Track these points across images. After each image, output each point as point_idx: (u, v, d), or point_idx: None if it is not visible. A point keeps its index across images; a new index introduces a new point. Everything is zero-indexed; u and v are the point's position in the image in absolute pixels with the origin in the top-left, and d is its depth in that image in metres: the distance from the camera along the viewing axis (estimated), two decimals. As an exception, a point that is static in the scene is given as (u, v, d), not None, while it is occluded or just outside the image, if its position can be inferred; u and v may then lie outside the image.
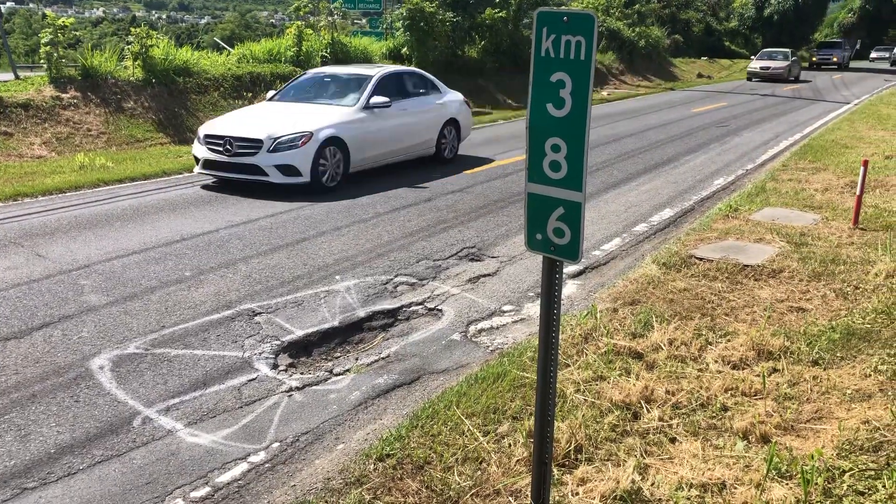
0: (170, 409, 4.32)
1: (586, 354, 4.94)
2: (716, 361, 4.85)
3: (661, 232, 8.42)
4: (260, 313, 5.74)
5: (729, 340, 5.13)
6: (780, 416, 4.03)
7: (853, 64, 52.76)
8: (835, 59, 47.91)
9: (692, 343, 5.11)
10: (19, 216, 8.39)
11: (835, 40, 53.31)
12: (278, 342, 5.27)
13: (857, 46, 63.56)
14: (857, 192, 8.07)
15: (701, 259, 7.00)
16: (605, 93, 27.69)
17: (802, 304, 5.84)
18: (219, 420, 4.24)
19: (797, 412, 4.09)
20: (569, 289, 6.49)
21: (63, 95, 12.87)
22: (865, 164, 8.17)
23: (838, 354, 4.75)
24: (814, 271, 6.52)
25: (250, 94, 16.00)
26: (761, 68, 36.70)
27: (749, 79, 37.50)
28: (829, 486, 3.28)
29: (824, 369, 4.59)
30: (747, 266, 6.73)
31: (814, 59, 48.87)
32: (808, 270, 6.54)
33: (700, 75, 39.58)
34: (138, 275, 6.44)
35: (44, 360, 4.84)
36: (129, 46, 14.46)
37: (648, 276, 6.52)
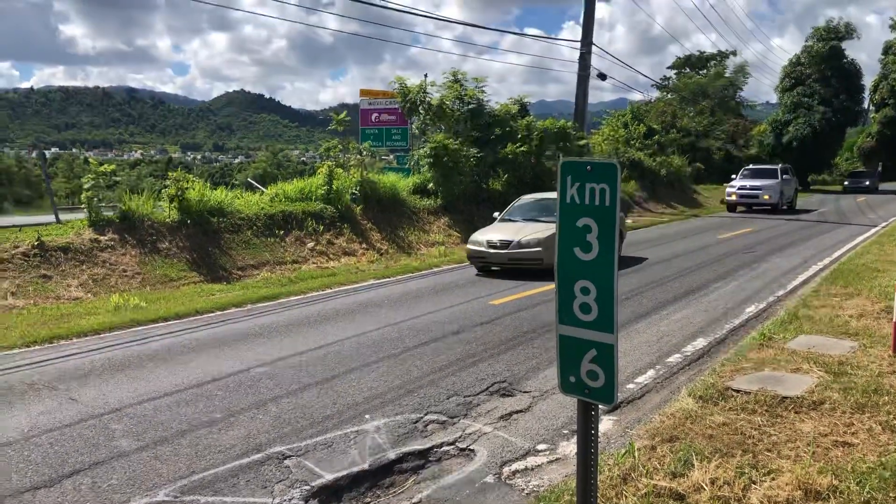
0: (196, 562, 4.19)
1: (626, 497, 4.76)
2: (761, 502, 4.64)
3: (695, 363, 8.28)
4: (290, 456, 5.64)
5: (773, 479, 4.93)
6: (836, 563, 3.81)
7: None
8: (767, 198, 30.94)
9: (735, 482, 4.91)
10: (54, 359, 8.49)
11: (764, 167, 35.50)
12: (308, 487, 5.16)
13: (879, 169, 64.29)
14: (895, 319, 7.93)
15: (738, 391, 6.84)
16: (629, 220, 28.01)
17: (848, 439, 5.63)
18: (246, 573, 4.10)
19: (854, 559, 3.86)
20: (604, 425, 6.32)
21: (101, 238, 13.30)
22: (899, 289, 8.07)
23: (891, 494, 4.53)
24: (856, 403, 6.32)
25: (282, 232, 16.41)
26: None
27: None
28: None
29: (878, 511, 4.37)
30: (786, 398, 6.55)
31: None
32: (851, 402, 6.34)
33: (723, 201, 40.00)
34: (169, 418, 6.42)
35: (71, 511, 4.76)
36: (166, 189, 15.05)
37: (685, 410, 6.36)
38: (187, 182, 15.03)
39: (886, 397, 6.41)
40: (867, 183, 51.40)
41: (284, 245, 16.23)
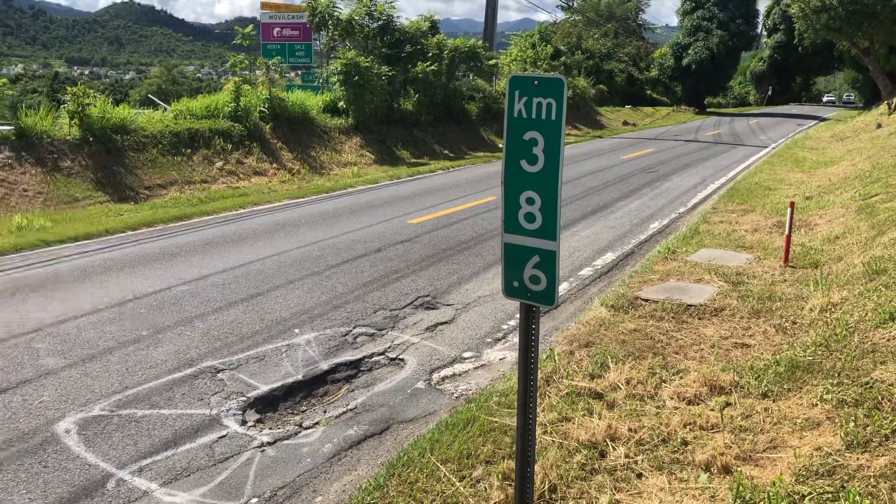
0: (143, 470, 4.30)
1: (549, 397, 5.12)
2: (672, 398, 5.08)
3: (605, 275, 8.73)
4: (223, 370, 5.74)
5: (681, 377, 5.37)
6: (738, 447, 4.26)
7: (767, 109, 53.78)
8: None
9: (648, 381, 5.33)
10: (-41, 280, 8.17)
11: None
12: (244, 398, 5.29)
13: (769, 92, 66.98)
14: (786, 232, 8.55)
15: (646, 300, 7.30)
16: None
17: (746, 340, 6.16)
18: (194, 478, 4.24)
19: (753, 443, 4.33)
20: (524, 334, 6.67)
21: (-3, 155, 12.61)
22: (792, 205, 8.68)
23: (785, 386, 5.03)
24: (753, 308, 6.88)
25: (189, 151, 15.94)
26: None
27: None
28: (792, 509, 3.50)
29: (774, 401, 4.86)
30: (691, 306, 7.05)
31: None
32: (748, 308, 6.89)
33: (625, 123, 41.03)
34: (94, 336, 6.36)
35: (6, 427, 4.74)
36: (65, 105, 14.30)
37: (599, 318, 6.77)
38: (88, 98, 14.29)
39: (778, 303, 6.99)
40: None
41: (192, 164, 15.79)
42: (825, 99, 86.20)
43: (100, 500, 3.99)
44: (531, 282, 3.15)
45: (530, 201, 3.05)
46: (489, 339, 6.56)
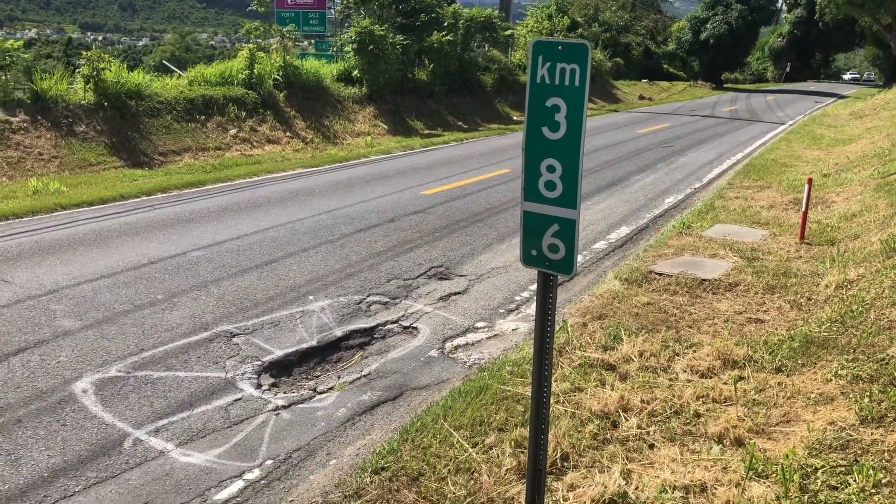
0: (159, 430, 4.35)
1: (562, 367, 5.13)
2: (684, 371, 5.08)
3: (619, 249, 8.71)
4: (238, 334, 5.78)
5: (695, 351, 5.37)
6: (751, 420, 4.27)
7: (785, 86, 53.01)
8: None
9: (661, 354, 5.34)
10: (-23, 242, 8.23)
11: None
12: (259, 362, 5.33)
13: (788, 69, 66.16)
14: (803, 209, 8.48)
15: (660, 274, 7.28)
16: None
17: (760, 316, 6.14)
18: (210, 439, 4.29)
19: (766, 416, 4.33)
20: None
21: (12, 119, 12.62)
22: (810, 182, 8.61)
23: (799, 361, 5.03)
24: (767, 284, 6.85)
25: (203, 118, 15.91)
26: None
27: None
28: (805, 482, 3.51)
29: (787, 376, 4.86)
30: (705, 280, 7.03)
31: None
32: (763, 283, 6.87)
33: (641, 97, 40.63)
34: (110, 299, 6.41)
35: (25, 385, 4.80)
36: (80, 69, 14.27)
37: (613, 291, 6.76)
38: (103, 62, 14.23)
39: (794, 279, 6.96)
40: None
41: (206, 131, 15.77)
42: (847, 76, 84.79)
43: (117, 458, 4.05)
44: (550, 250, 3.14)
45: (551, 169, 3.02)
46: (502, 310, 6.57)
